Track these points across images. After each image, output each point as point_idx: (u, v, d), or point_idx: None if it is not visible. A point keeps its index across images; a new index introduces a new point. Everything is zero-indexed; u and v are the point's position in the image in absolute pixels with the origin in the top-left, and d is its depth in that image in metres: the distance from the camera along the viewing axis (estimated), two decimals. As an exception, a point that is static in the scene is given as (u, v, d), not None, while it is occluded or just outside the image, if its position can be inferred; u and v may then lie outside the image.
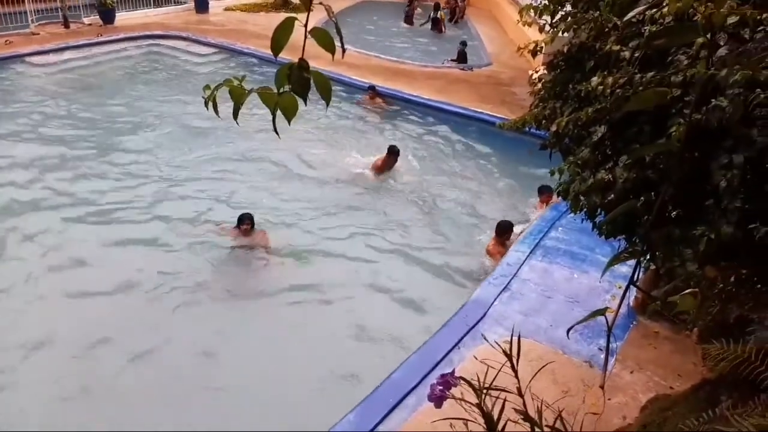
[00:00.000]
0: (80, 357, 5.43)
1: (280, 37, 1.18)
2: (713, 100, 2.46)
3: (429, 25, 19.62)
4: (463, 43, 15.49)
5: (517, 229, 7.20)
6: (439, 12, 19.61)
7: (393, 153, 9.22)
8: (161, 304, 6.23)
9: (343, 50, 1.23)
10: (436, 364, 4.64)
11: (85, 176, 8.92)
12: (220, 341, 5.72)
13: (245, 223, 7.10)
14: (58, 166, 9.16)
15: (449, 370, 1.99)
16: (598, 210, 3.48)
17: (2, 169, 8.92)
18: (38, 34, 15.48)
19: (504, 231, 7.07)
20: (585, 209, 3.53)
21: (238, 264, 7.02)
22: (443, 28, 19.40)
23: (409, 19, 20.64)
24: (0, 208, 7.80)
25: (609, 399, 4.18)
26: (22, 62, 13.81)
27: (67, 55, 14.49)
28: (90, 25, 16.64)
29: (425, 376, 4.49)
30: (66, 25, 16.21)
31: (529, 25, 5.43)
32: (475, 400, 1.92)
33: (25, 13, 15.70)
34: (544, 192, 7.82)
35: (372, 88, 12.17)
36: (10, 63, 13.66)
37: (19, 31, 15.35)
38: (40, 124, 10.77)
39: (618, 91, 3.25)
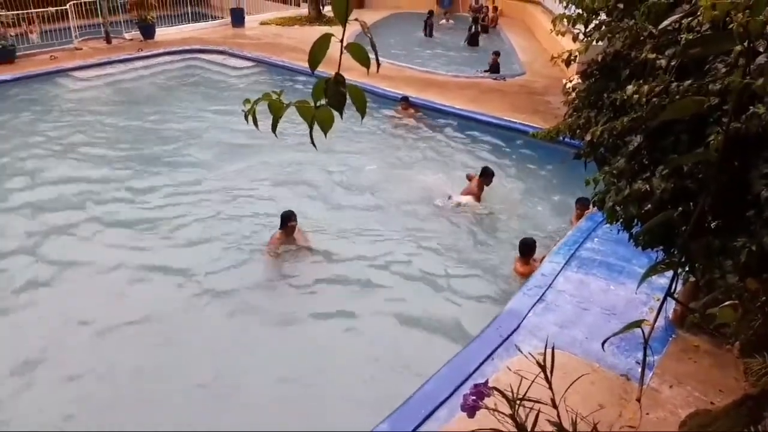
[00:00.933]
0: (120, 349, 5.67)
1: (317, 53, 1.22)
2: (751, 107, 2.41)
3: (465, 40, 19.51)
4: (496, 53, 15.46)
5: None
6: (478, 26, 19.56)
7: (488, 174, 8.63)
8: (206, 314, 6.35)
9: (378, 64, 1.26)
10: (469, 376, 4.60)
11: (127, 186, 9.16)
12: (254, 348, 5.82)
13: (292, 220, 7.10)
14: (100, 177, 9.45)
15: (482, 381, 1.99)
16: (635, 221, 3.43)
17: (48, 181, 9.25)
18: (81, 49, 16.05)
19: (528, 250, 6.93)
20: (621, 220, 3.48)
21: (282, 270, 7.09)
22: (478, 42, 19.35)
23: (429, 30, 20.75)
24: (44, 219, 8.07)
25: (647, 414, 4.09)
26: (67, 76, 14.35)
27: (109, 69, 15.00)
28: (131, 40, 17.19)
29: (458, 388, 4.46)
30: (108, 40, 16.77)
31: (563, 34, 5.41)
32: (508, 411, 1.91)
33: (70, 29, 16.32)
34: (581, 203, 7.71)
35: (405, 99, 12.23)
36: (55, 77, 14.21)
37: (64, 46, 15.97)
38: (83, 136, 11.14)
39: (654, 99, 3.22)
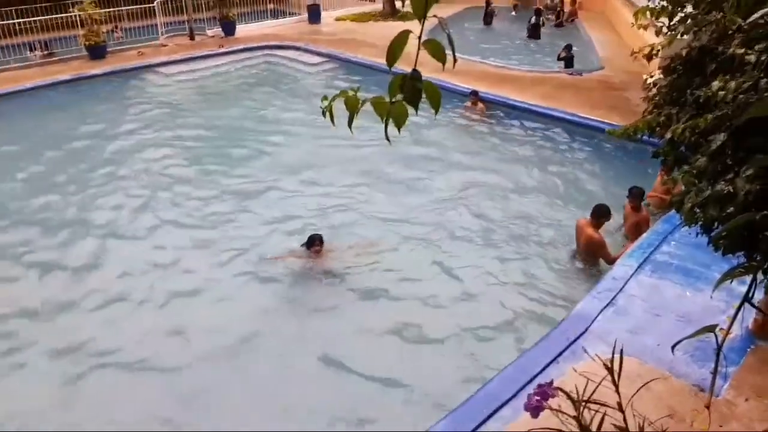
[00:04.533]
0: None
1: (395, 50, 1.25)
2: None
3: (526, 32, 19.18)
4: (568, 47, 15.03)
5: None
6: (541, 17, 19.11)
7: (637, 195, 7.43)
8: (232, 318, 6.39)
9: (455, 60, 1.27)
10: (534, 377, 4.54)
11: (206, 182, 9.57)
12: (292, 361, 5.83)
13: (316, 244, 6.99)
14: (180, 173, 9.89)
15: (548, 381, 1.97)
16: (715, 224, 3.28)
17: (128, 175, 9.81)
18: (167, 45, 16.86)
19: (600, 214, 6.93)
20: (700, 222, 3.34)
21: (309, 286, 7.00)
22: (539, 35, 18.90)
23: (488, 18, 20.54)
24: (118, 211, 8.61)
25: (720, 426, 3.91)
26: (153, 72, 15.11)
27: (192, 65, 15.66)
28: (213, 36, 17.88)
29: (522, 388, 4.41)
30: (192, 37, 17.53)
31: (645, 27, 5.23)
32: (572, 413, 1.89)
33: (156, 26, 17.19)
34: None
35: (474, 93, 12.09)
36: (142, 72, 15.02)
37: (151, 42, 16.83)
38: (166, 130, 11.74)
39: (741, 96, 3.07)
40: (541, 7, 20.68)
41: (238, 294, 6.77)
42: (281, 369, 5.71)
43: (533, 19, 19.10)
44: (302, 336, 6.13)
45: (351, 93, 1.28)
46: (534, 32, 18.89)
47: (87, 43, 15.20)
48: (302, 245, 7.18)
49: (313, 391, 5.40)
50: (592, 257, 6.99)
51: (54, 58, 15.45)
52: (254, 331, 6.13)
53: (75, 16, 15.36)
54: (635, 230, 7.30)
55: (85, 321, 6.28)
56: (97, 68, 14.70)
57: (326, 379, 5.56)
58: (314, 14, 20.21)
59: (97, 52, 15.30)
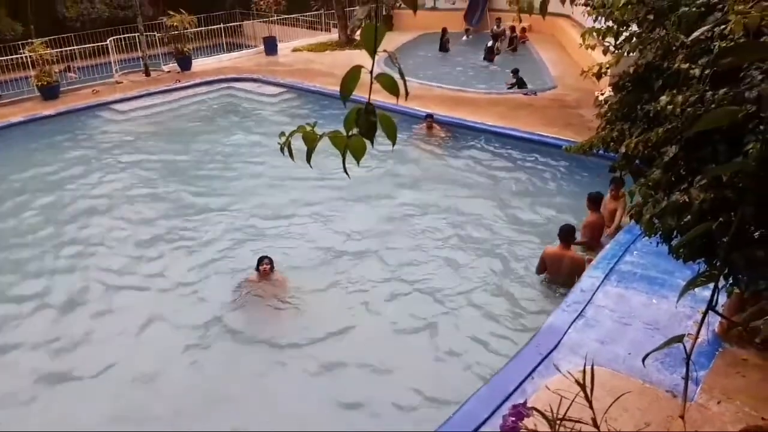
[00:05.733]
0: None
1: (348, 85, 1.27)
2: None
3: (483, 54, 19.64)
4: (515, 71, 15.36)
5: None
6: (497, 42, 19.64)
7: (596, 201, 7.58)
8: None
9: (407, 93, 1.29)
10: (509, 395, 4.54)
11: (168, 215, 9.46)
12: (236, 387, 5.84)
13: (263, 263, 7.05)
14: (140, 209, 9.75)
15: (522, 401, 1.97)
16: (674, 233, 3.37)
17: (85, 210, 9.65)
18: (122, 82, 16.64)
19: (567, 235, 6.97)
20: (660, 232, 3.42)
21: (257, 310, 6.98)
22: (493, 58, 19.42)
23: (444, 47, 20.98)
24: (73, 246, 8.50)
25: None
26: (108, 109, 14.86)
27: (148, 101, 15.46)
28: (169, 72, 17.74)
29: (498, 407, 4.40)
30: (147, 73, 17.35)
31: (593, 48, 5.39)
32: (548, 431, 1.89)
33: (110, 63, 16.98)
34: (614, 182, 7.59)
35: (429, 116, 12.12)
36: (97, 111, 14.75)
37: (105, 80, 16.60)
38: (123, 168, 11.51)
39: (689, 109, 3.18)
40: (497, 34, 21.16)
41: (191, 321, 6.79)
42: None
43: (489, 43, 19.58)
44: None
45: (308, 128, 1.28)
46: (488, 55, 19.36)
47: (39, 83, 14.94)
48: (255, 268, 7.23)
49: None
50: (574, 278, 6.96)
51: (3, 101, 15.08)
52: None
53: (26, 57, 15.07)
54: (589, 230, 7.56)
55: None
56: (51, 108, 14.40)
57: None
58: (271, 46, 20.27)
59: (50, 92, 15.02)
